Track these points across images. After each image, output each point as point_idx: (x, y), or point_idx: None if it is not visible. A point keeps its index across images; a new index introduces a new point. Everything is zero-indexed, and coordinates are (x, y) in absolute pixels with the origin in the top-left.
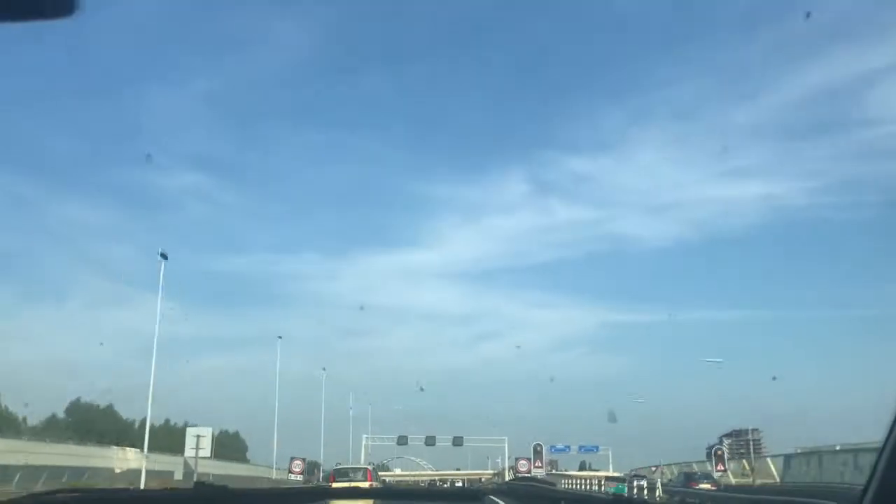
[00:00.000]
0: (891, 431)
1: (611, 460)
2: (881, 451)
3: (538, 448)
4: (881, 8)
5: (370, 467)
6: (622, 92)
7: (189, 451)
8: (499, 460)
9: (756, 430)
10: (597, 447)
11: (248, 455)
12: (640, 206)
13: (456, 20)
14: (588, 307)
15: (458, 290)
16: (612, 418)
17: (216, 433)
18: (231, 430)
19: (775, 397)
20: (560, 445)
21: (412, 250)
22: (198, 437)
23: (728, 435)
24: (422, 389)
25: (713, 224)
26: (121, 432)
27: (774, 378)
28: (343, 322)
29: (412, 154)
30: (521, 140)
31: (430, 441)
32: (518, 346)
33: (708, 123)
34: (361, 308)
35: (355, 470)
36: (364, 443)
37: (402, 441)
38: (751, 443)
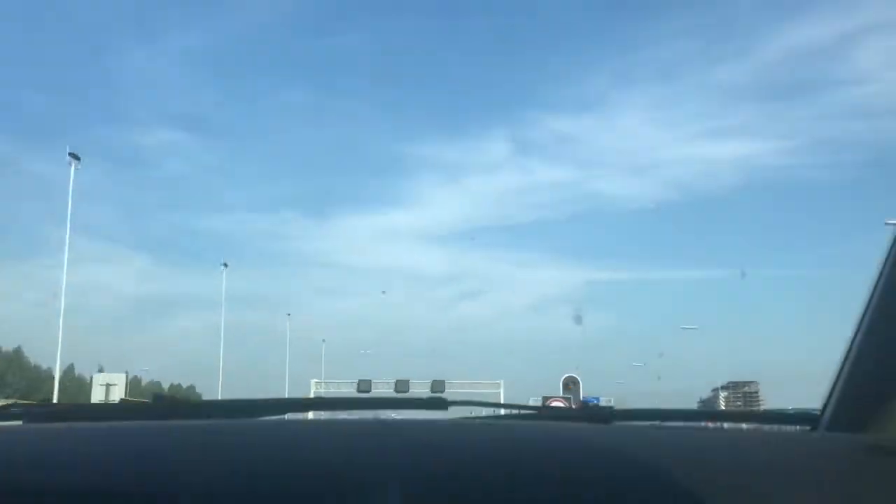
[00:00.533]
0: (847, 352)
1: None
2: (838, 371)
3: (571, 383)
4: None
5: None
6: (605, 52)
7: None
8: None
9: (754, 382)
10: (598, 398)
11: None
12: (621, 166)
13: None
14: (570, 267)
15: (440, 252)
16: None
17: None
18: (186, 384)
19: (768, 354)
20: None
21: (392, 210)
22: (107, 385)
23: (725, 387)
24: (383, 293)
25: (693, 184)
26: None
27: (743, 275)
28: (322, 282)
29: (393, 113)
30: (503, 100)
31: (401, 387)
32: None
33: (689, 84)
34: (383, 293)
35: None
36: (313, 388)
37: (364, 387)
38: (747, 395)
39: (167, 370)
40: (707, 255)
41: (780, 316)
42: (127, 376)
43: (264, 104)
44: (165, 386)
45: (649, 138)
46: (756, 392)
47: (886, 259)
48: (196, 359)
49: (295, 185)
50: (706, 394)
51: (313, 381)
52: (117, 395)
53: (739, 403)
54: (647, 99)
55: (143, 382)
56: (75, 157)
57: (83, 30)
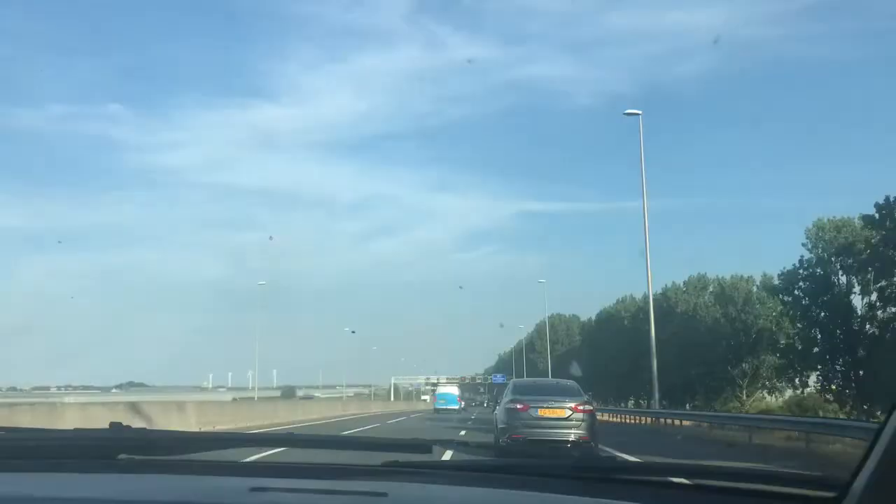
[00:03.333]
0: (886, 421)
1: None
2: (876, 436)
3: None
4: None
5: None
6: None
7: None
8: None
9: None
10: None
11: None
12: (559, 40)
13: None
14: (501, 191)
15: (335, 168)
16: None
17: None
18: None
19: None
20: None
21: (260, 103)
22: None
23: None
24: (270, 238)
25: (653, 71)
26: None
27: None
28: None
29: None
30: None
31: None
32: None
33: None
34: (270, 238)
35: None
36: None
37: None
38: None
39: None
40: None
41: None
42: None
43: None
44: None
45: None
46: None
47: None
48: None
49: (112, 64)
50: None
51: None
52: None
53: None
54: None
55: None
56: None
57: None
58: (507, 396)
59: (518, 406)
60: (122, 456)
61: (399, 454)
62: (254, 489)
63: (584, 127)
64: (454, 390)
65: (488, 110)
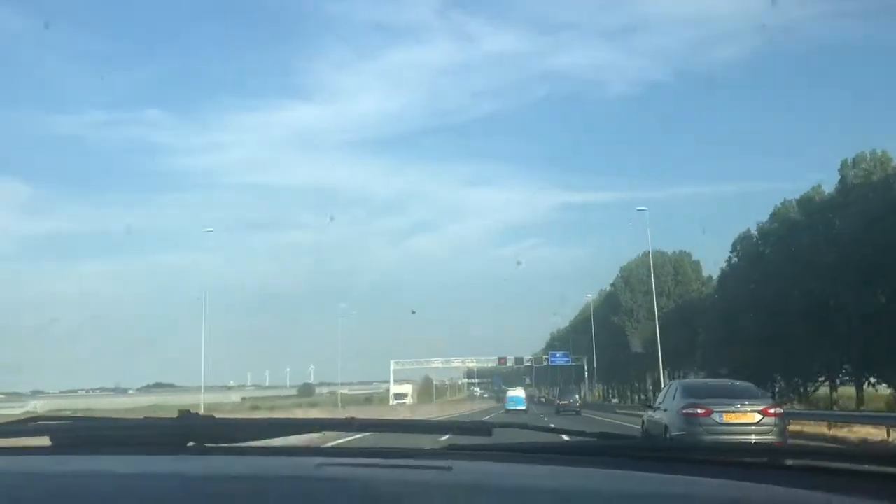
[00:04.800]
0: None
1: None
2: None
3: None
4: None
5: None
6: None
7: None
8: None
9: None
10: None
11: None
12: (594, 28)
13: None
14: (537, 182)
15: (369, 166)
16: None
17: None
18: None
19: None
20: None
21: (295, 104)
22: None
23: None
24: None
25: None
26: None
27: None
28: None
29: None
30: None
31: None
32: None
33: None
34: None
35: None
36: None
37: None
38: None
39: None
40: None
41: None
42: None
43: None
44: None
45: None
46: None
47: None
48: None
49: (152, 71)
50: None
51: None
52: None
53: None
54: None
55: None
56: None
57: None
58: (677, 400)
59: (699, 410)
60: (191, 444)
61: (461, 437)
62: (320, 465)
63: (617, 113)
64: (521, 393)
65: (517, 100)
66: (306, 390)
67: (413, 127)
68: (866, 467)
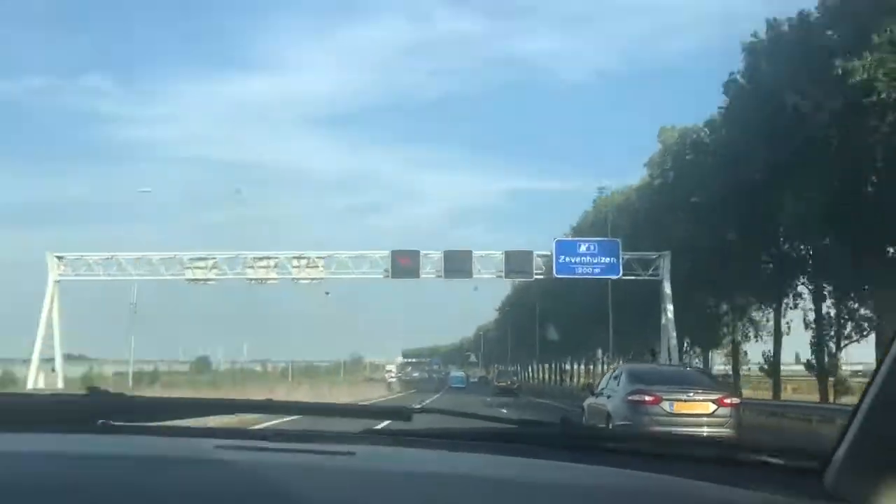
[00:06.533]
0: (869, 385)
1: None
2: (855, 409)
3: None
4: None
5: None
6: None
7: None
8: None
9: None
10: None
11: None
12: (550, 16)
13: None
14: (488, 168)
15: (321, 141)
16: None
17: None
18: None
19: None
20: None
21: (243, 75)
22: None
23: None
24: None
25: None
26: None
27: None
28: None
29: None
30: None
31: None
32: None
33: None
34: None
35: None
36: None
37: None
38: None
39: None
40: None
41: None
42: None
43: None
44: None
45: None
46: None
47: None
48: None
49: (94, 39)
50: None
51: None
52: None
53: None
54: None
55: None
56: None
57: None
58: (622, 386)
59: (646, 398)
60: (101, 421)
61: (378, 421)
62: (219, 447)
63: (569, 99)
64: (461, 373)
65: (472, 83)
66: (200, 365)
67: (364, 104)
68: (774, 460)
